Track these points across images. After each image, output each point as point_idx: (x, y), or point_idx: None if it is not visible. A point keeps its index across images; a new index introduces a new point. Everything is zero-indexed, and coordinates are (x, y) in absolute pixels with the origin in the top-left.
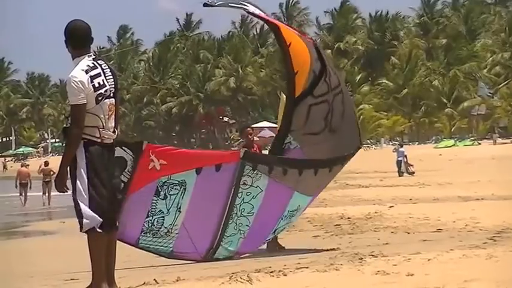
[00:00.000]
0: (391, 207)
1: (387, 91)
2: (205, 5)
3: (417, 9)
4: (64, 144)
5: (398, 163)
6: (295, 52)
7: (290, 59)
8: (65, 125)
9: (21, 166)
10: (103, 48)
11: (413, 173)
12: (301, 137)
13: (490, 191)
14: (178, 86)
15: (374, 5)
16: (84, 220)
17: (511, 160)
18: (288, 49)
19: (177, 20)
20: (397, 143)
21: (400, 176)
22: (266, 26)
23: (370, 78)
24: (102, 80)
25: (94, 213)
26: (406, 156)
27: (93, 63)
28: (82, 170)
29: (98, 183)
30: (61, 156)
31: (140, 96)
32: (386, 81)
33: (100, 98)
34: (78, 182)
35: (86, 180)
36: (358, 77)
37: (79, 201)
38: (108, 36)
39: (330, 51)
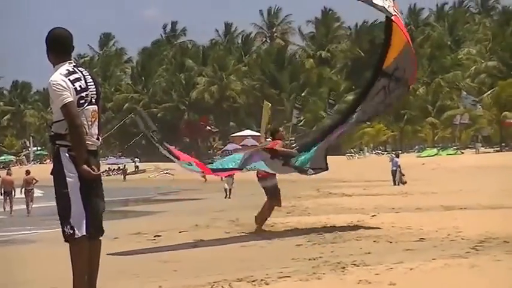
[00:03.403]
0: (373, 216)
1: None
2: None
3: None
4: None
5: (393, 172)
6: (396, 30)
7: (390, 30)
8: (50, 134)
9: (6, 174)
10: (85, 55)
11: (406, 182)
12: (361, 110)
13: (473, 200)
14: (162, 93)
15: (358, 13)
16: (68, 228)
17: (493, 169)
18: (391, 22)
19: (164, 27)
20: (379, 151)
21: (394, 185)
22: (251, 35)
23: (354, 87)
24: (83, 84)
25: (79, 222)
26: (399, 166)
27: (73, 68)
28: (67, 177)
29: (84, 189)
30: (41, 164)
31: (123, 104)
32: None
33: (82, 102)
34: (63, 189)
35: (72, 187)
36: (342, 86)
37: (64, 209)
38: (89, 45)
39: (312, 59)
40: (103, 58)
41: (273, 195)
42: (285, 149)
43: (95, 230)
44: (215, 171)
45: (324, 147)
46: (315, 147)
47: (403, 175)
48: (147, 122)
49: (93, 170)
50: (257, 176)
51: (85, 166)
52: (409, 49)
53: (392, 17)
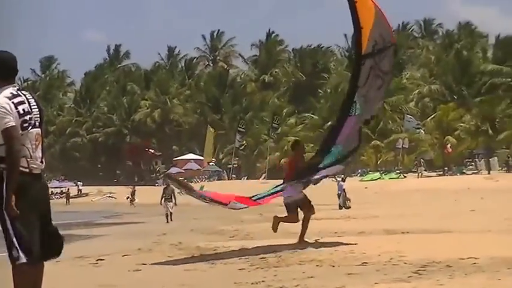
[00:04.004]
0: (317, 240)
1: (314, 124)
2: None
3: (347, 41)
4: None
5: (339, 196)
6: (362, 8)
7: (357, 13)
8: None
9: None
10: (28, 80)
11: (349, 207)
12: (362, 97)
13: (416, 224)
14: (104, 117)
15: (302, 36)
16: (14, 253)
17: (436, 193)
18: (354, 4)
19: (107, 50)
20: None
21: (340, 208)
22: (194, 59)
23: (297, 111)
24: (27, 107)
25: (24, 247)
26: (344, 190)
27: (16, 91)
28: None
29: (29, 213)
30: None
31: (66, 127)
32: (312, 116)
33: (25, 125)
34: (2, 212)
35: (17, 210)
36: (285, 110)
37: (9, 233)
38: (31, 69)
39: (255, 83)
40: (45, 81)
41: (306, 207)
42: (307, 162)
43: (38, 254)
44: (257, 200)
45: (349, 138)
46: (337, 149)
47: (349, 200)
48: (179, 183)
49: (38, 196)
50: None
51: (12, 198)
52: (378, 13)
53: None
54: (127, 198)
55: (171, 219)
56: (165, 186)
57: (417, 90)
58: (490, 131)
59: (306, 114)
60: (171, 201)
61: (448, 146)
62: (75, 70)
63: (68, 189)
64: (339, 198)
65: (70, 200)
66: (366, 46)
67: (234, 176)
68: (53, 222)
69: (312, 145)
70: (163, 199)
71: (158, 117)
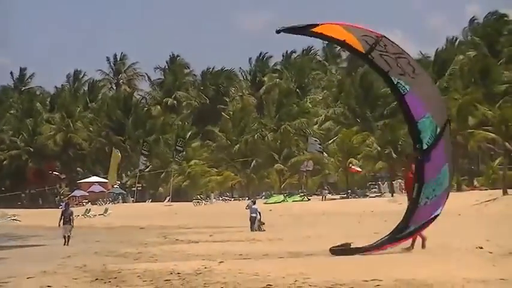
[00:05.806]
0: (220, 262)
1: (218, 146)
2: (277, 31)
3: (250, 65)
4: None
5: (252, 219)
6: (329, 30)
7: (327, 36)
8: None
9: None
10: None
11: (264, 230)
12: (403, 75)
13: (320, 247)
14: (8, 140)
15: (205, 60)
16: None
17: (340, 216)
18: (316, 31)
19: (11, 73)
20: (226, 198)
21: (252, 231)
22: (98, 82)
23: (201, 134)
24: None
25: None
26: (260, 213)
27: None
28: None
29: None
30: None
31: None
32: (220, 133)
33: None
34: None
35: None
36: (189, 133)
37: None
38: None
39: (159, 106)
40: None
41: None
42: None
43: None
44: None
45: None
46: (427, 119)
47: (263, 223)
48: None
49: None
50: None
51: None
52: (348, 26)
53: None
54: None
55: (68, 244)
56: (63, 209)
57: (322, 113)
58: (394, 155)
59: (216, 131)
60: (70, 224)
61: (354, 166)
62: None
63: None
64: (252, 221)
65: None
66: (362, 46)
67: (136, 198)
68: None
69: (216, 170)
70: (61, 221)
71: (61, 140)
